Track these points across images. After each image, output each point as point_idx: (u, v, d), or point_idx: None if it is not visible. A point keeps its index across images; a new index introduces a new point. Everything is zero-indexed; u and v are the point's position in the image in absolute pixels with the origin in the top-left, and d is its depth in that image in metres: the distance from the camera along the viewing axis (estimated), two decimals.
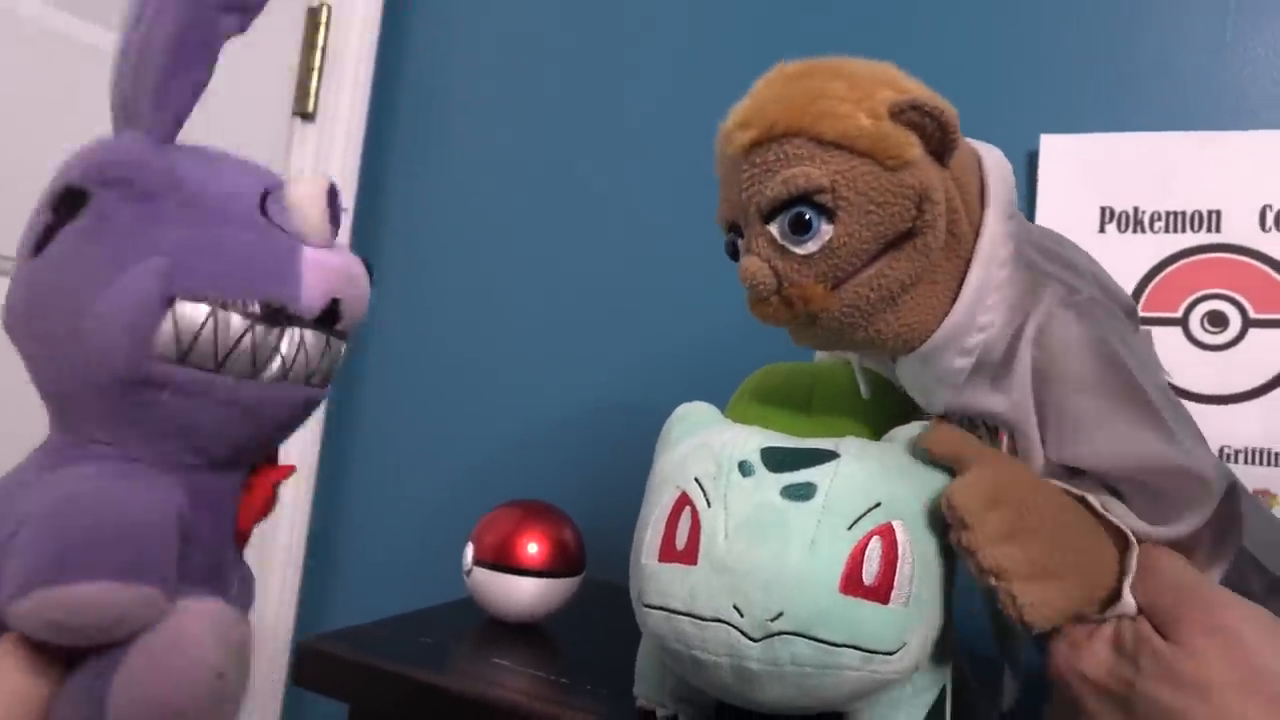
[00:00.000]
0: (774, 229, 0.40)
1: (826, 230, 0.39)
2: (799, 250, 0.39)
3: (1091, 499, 0.39)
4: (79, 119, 0.73)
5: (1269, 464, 0.69)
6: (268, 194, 0.30)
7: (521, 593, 0.61)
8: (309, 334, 0.29)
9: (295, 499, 0.99)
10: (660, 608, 0.38)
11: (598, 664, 0.54)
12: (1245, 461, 0.70)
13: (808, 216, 0.39)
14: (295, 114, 1.00)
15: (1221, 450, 0.71)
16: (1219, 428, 0.71)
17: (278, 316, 0.28)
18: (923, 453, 0.40)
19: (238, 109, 0.93)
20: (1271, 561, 0.43)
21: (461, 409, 0.99)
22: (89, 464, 0.27)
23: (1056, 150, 0.77)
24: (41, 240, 0.28)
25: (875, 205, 0.38)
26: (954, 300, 0.41)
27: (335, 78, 1.01)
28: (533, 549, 0.61)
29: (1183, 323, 0.73)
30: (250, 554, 0.38)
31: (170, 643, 0.24)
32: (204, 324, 0.26)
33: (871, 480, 0.38)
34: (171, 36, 0.28)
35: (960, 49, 0.81)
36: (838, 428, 0.45)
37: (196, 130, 1.02)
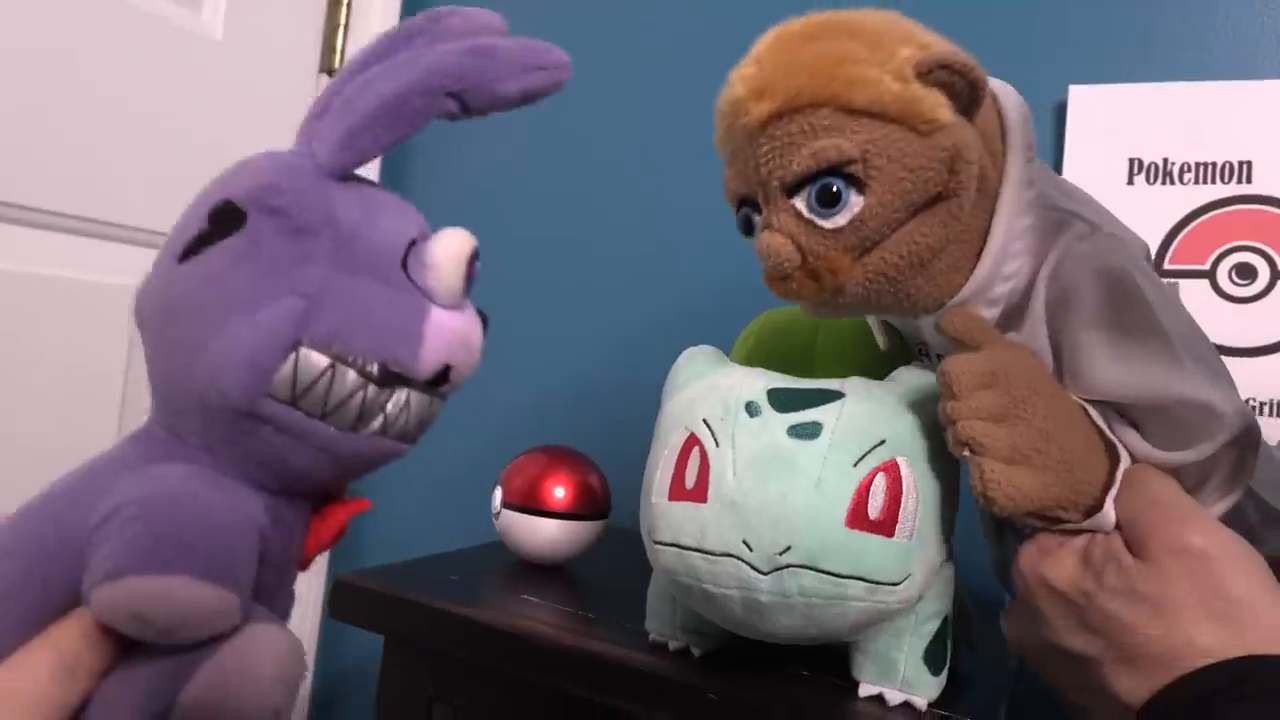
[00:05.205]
0: (799, 203, 0.38)
1: (856, 202, 0.37)
2: (827, 224, 0.37)
3: (1091, 410, 0.39)
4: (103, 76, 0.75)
5: None
6: (413, 245, 0.30)
7: (547, 534, 0.63)
8: (415, 395, 0.30)
9: None
10: (671, 544, 0.40)
11: (622, 602, 0.56)
12: (1271, 413, 0.70)
13: (836, 188, 0.37)
14: (322, 71, 1.01)
15: (1249, 401, 0.71)
16: (1246, 380, 0.70)
17: (391, 378, 0.29)
18: (928, 386, 0.41)
19: (266, 65, 0.95)
20: (1270, 494, 0.44)
21: (492, 358, 1.00)
22: (184, 465, 0.28)
23: (1085, 101, 0.76)
24: (191, 246, 0.28)
25: (908, 172, 0.36)
26: (980, 253, 0.40)
27: (361, 35, 1.01)
28: (559, 492, 0.63)
29: (1210, 275, 0.72)
30: None
31: (238, 679, 0.25)
32: (321, 374, 0.27)
33: (876, 419, 0.39)
34: (394, 93, 0.29)
35: None
36: (841, 372, 0.45)
37: (226, 88, 1.00)
